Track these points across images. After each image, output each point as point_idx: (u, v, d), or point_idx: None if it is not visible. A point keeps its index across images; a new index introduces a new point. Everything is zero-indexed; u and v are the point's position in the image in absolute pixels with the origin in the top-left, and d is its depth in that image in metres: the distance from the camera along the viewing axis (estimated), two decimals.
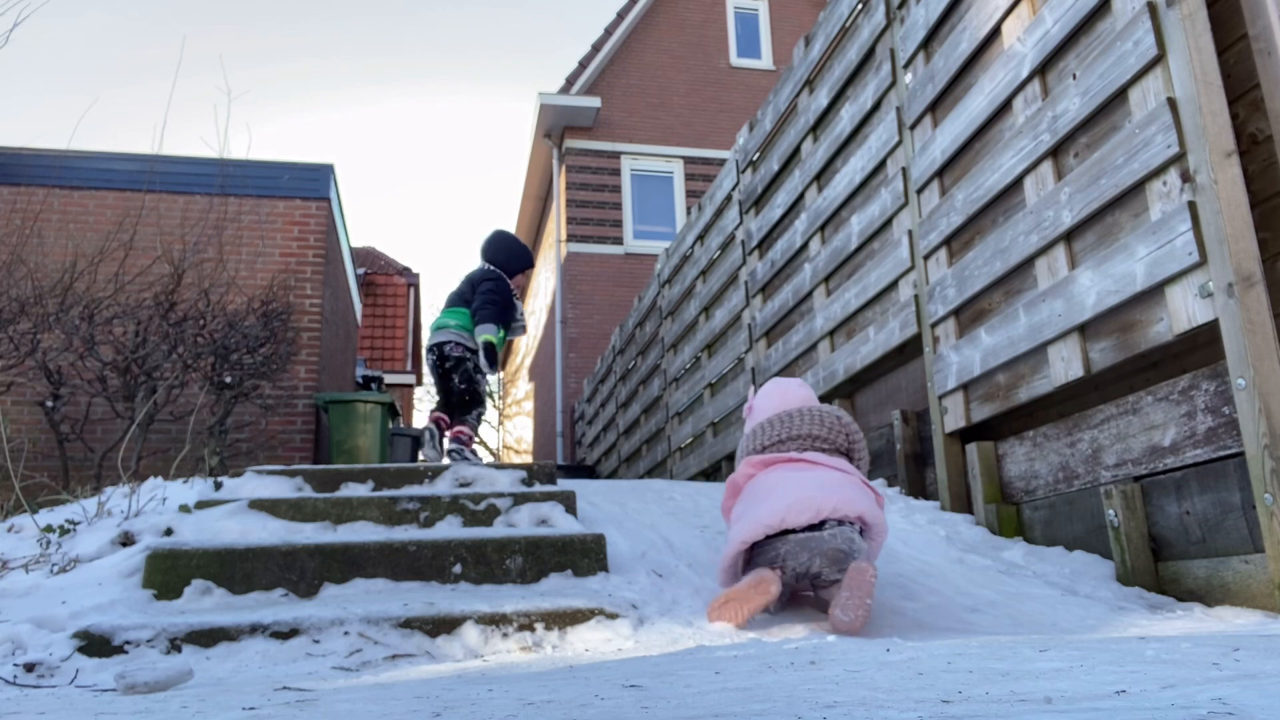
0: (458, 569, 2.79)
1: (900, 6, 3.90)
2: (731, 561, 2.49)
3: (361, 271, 16.41)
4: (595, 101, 12.43)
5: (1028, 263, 2.96)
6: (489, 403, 4.81)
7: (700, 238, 6.75)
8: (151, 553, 2.66)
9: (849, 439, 2.72)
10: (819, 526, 2.36)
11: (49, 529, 3.09)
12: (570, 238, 12.26)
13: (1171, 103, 2.30)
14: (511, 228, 15.72)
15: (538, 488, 3.59)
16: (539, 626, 2.33)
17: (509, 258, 5.09)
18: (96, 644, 2.17)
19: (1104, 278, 2.54)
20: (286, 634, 2.24)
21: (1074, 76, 2.72)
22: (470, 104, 49.57)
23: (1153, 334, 2.42)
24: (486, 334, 4.72)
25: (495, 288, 4.93)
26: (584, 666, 1.85)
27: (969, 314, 3.36)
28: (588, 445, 10.97)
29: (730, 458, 5.89)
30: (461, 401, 5.00)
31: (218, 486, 3.73)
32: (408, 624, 2.28)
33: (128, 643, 2.19)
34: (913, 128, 3.75)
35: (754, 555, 2.48)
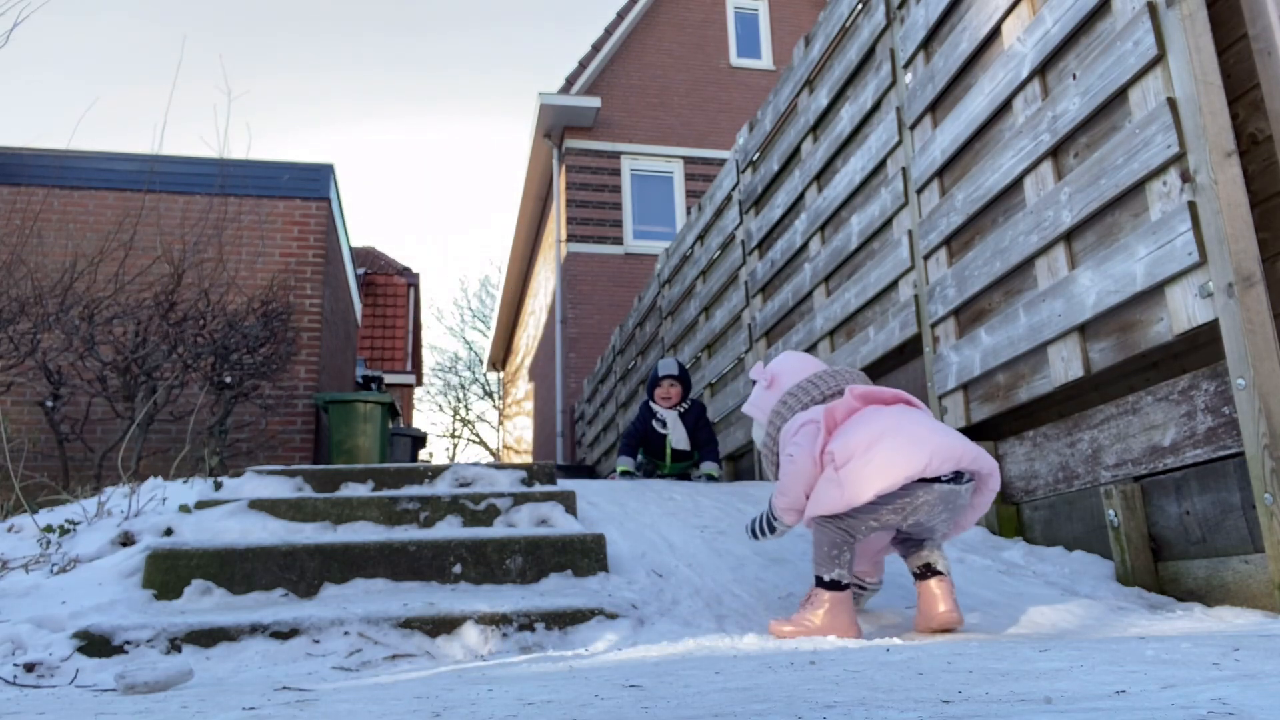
0: (458, 569, 2.79)
1: (900, 6, 3.90)
2: (847, 509, 2.16)
3: (361, 271, 16.41)
4: (595, 101, 12.43)
5: (1028, 263, 2.96)
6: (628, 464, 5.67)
7: (700, 238, 6.76)
8: (151, 553, 2.66)
9: None
10: (956, 479, 2.17)
11: (49, 529, 3.09)
12: (570, 238, 12.26)
13: (1171, 103, 2.30)
14: (511, 228, 15.73)
15: (538, 488, 3.59)
16: (539, 626, 2.33)
17: (646, 387, 5.81)
18: (96, 644, 2.17)
19: (1104, 278, 2.54)
20: (286, 634, 2.24)
21: (1074, 76, 2.72)
22: (470, 103, 49.59)
23: (1153, 334, 2.42)
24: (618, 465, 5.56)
25: (632, 417, 5.87)
26: (584, 666, 1.85)
27: (969, 314, 3.36)
28: (588, 445, 10.97)
29: (730, 457, 5.89)
30: None
31: (218, 486, 3.73)
32: (408, 624, 2.28)
33: (128, 643, 2.19)
34: (913, 128, 3.75)
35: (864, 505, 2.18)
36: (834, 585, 2.19)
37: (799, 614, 2.21)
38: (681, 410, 5.55)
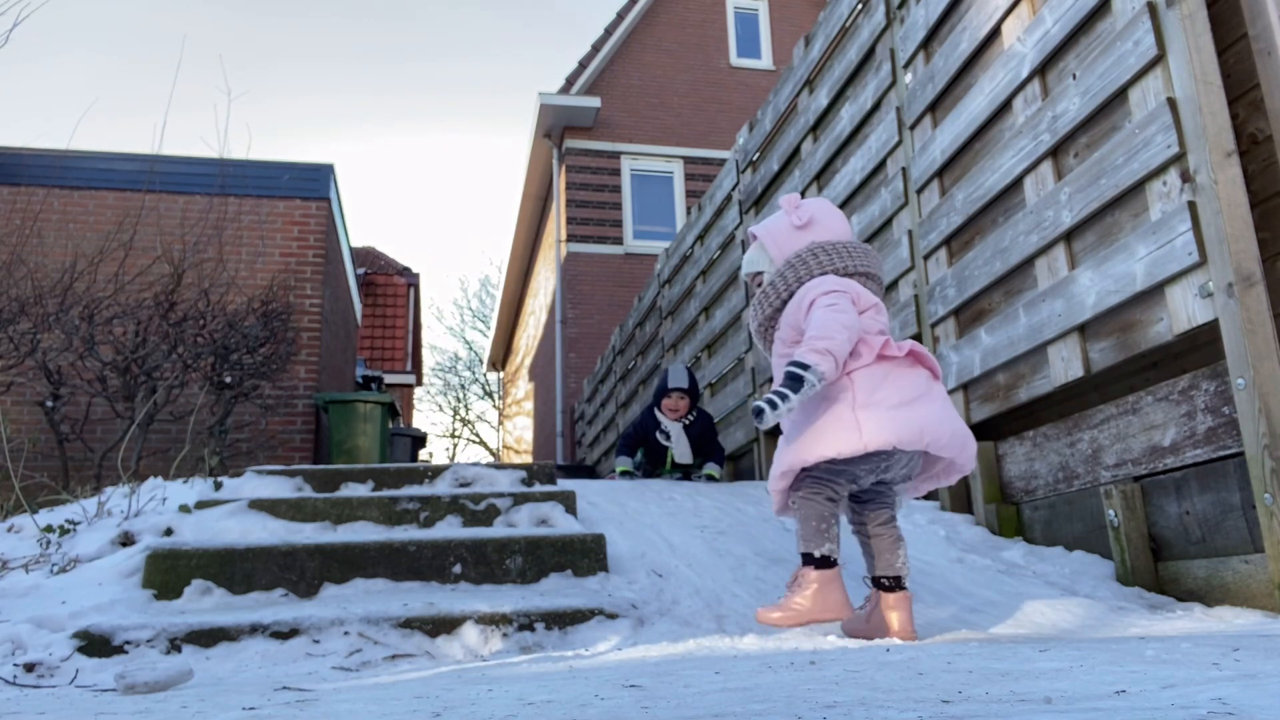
0: (458, 569, 2.79)
1: (900, 6, 3.90)
2: (858, 453, 2.05)
3: (361, 271, 16.41)
4: (595, 101, 12.43)
5: (1028, 263, 2.97)
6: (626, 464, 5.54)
7: (700, 238, 6.75)
8: (151, 553, 2.66)
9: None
10: None
11: (49, 529, 3.09)
12: (570, 238, 12.26)
13: (1171, 103, 2.30)
14: (511, 228, 15.73)
15: (538, 488, 3.59)
16: (539, 626, 2.33)
17: (653, 394, 5.62)
18: (96, 644, 2.17)
19: (1104, 278, 2.54)
20: (286, 634, 2.24)
21: (1074, 76, 2.72)
22: (470, 103, 49.58)
23: (1153, 334, 2.42)
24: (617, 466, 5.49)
25: (633, 418, 5.88)
26: (584, 666, 1.85)
27: (969, 314, 3.36)
28: (588, 445, 10.97)
29: (731, 458, 5.89)
30: None
31: (218, 486, 3.73)
32: (408, 624, 2.28)
33: (128, 643, 2.19)
34: (913, 128, 3.75)
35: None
36: (824, 562, 2.09)
37: (786, 598, 2.11)
38: (687, 422, 5.34)
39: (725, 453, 5.55)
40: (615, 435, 9.33)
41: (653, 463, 5.51)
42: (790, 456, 2.15)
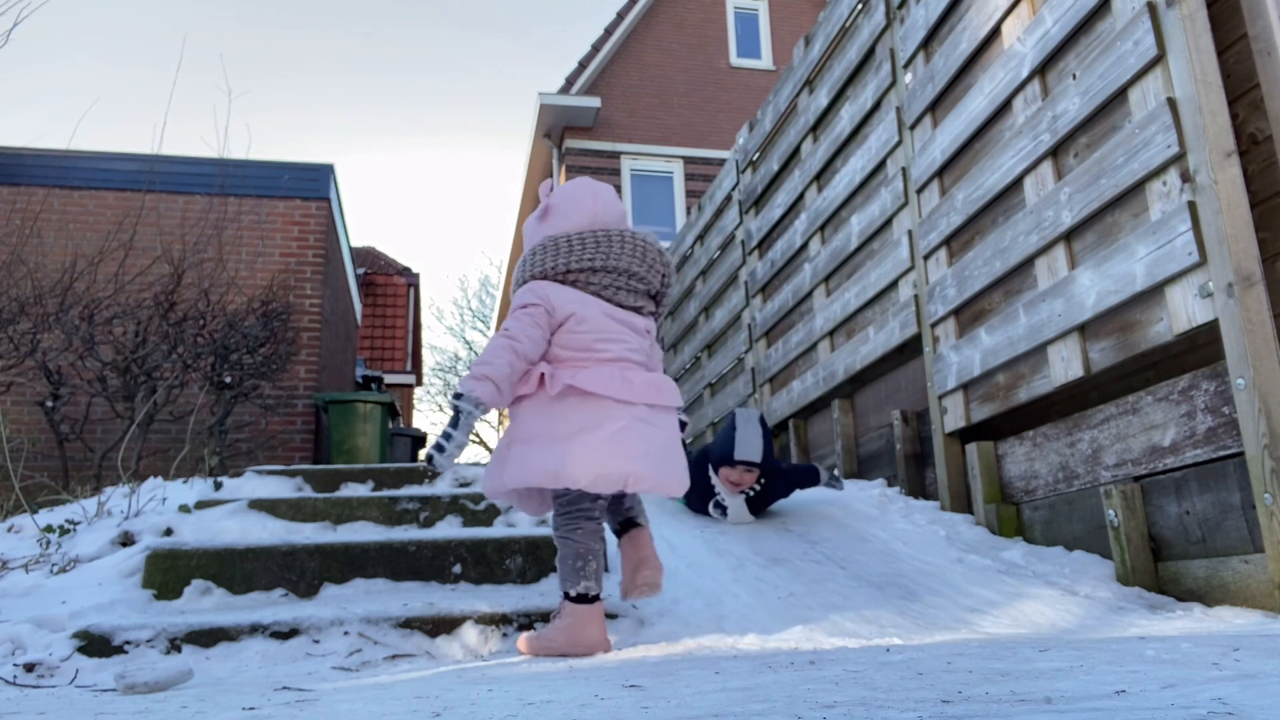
0: (458, 569, 2.79)
1: (900, 6, 3.90)
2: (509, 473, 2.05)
3: (361, 271, 16.41)
4: (595, 101, 12.43)
5: (1028, 263, 2.97)
6: None
7: (700, 238, 6.76)
8: (151, 553, 2.66)
9: (663, 283, 2.26)
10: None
11: (49, 529, 3.09)
12: None
13: (1171, 103, 2.30)
14: (511, 227, 15.73)
15: None
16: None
17: (708, 452, 4.13)
18: (96, 644, 2.17)
19: (1104, 278, 2.54)
20: (286, 634, 2.24)
21: (1074, 76, 2.72)
22: (469, 103, 49.59)
23: (1153, 334, 2.42)
24: None
25: None
26: (584, 666, 1.85)
27: (969, 314, 3.36)
28: None
29: None
30: None
31: (218, 486, 3.73)
32: (407, 624, 2.28)
33: (128, 643, 2.19)
34: (913, 128, 3.75)
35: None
36: (581, 598, 2.13)
37: (546, 629, 2.15)
38: (751, 493, 3.68)
39: (812, 471, 3.94)
40: None
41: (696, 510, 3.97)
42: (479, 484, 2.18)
